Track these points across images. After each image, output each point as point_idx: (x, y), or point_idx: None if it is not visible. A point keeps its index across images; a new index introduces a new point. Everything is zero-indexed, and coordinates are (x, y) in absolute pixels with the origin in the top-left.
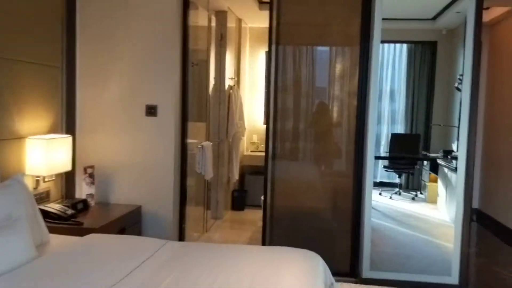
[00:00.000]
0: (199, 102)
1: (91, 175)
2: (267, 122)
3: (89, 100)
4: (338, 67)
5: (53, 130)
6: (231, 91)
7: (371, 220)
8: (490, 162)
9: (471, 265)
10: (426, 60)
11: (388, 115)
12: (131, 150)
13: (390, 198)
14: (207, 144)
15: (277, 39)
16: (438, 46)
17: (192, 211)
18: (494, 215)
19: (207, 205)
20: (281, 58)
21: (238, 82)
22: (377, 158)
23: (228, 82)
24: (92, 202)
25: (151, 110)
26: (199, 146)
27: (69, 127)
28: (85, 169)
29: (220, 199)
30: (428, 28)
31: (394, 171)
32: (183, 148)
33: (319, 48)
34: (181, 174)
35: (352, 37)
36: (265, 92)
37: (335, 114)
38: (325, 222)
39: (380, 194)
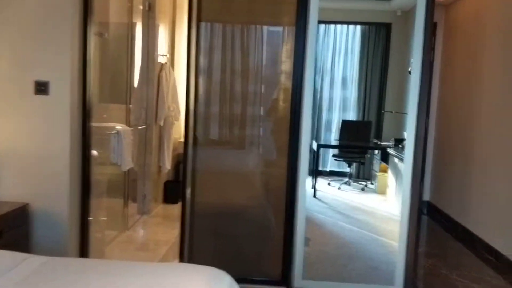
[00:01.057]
0: (117, 81)
1: None
2: (186, 104)
3: None
4: (272, 48)
5: None
6: (162, 70)
7: (305, 221)
8: (442, 152)
9: (419, 268)
10: (380, 43)
11: (340, 101)
12: (16, 135)
13: (339, 188)
14: (125, 129)
15: (199, 14)
16: (393, 29)
17: (109, 206)
18: (445, 208)
19: (128, 199)
20: (204, 36)
21: (172, 60)
22: (324, 146)
23: (160, 60)
24: None
25: (41, 88)
26: (114, 132)
27: None
28: None
29: (148, 192)
30: (382, 9)
31: (344, 160)
32: (85, 133)
33: (251, 27)
34: (83, 164)
35: (288, 16)
36: (186, 72)
37: (267, 99)
38: (255, 221)
39: (329, 184)
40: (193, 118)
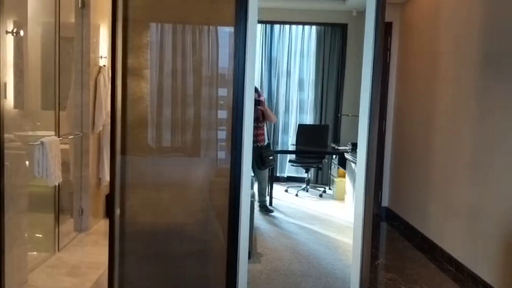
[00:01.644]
0: (44, 85)
1: None
2: (112, 108)
3: None
4: (210, 49)
5: None
6: (100, 73)
7: (249, 237)
8: (400, 157)
9: (378, 284)
10: (336, 44)
11: (297, 104)
12: None
13: (296, 195)
14: (51, 140)
15: (125, 11)
16: (349, 29)
17: (37, 224)
18: (404, 215)
19: (60, 214)
20: (132, 36)
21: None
22: (280, 152)
23: (101, 62)
24: None
25: None
26: (37, 143)
27: None
28: None
29: (86, 207)
30: (338, 9)
31: (301, 166)
32: None
33: (186, 27)
34: None
35: (227, 16)
36: (111, 73)
37: (204, 103)
38: (195, 239)
39: (286, 191)
40: (120, 123)
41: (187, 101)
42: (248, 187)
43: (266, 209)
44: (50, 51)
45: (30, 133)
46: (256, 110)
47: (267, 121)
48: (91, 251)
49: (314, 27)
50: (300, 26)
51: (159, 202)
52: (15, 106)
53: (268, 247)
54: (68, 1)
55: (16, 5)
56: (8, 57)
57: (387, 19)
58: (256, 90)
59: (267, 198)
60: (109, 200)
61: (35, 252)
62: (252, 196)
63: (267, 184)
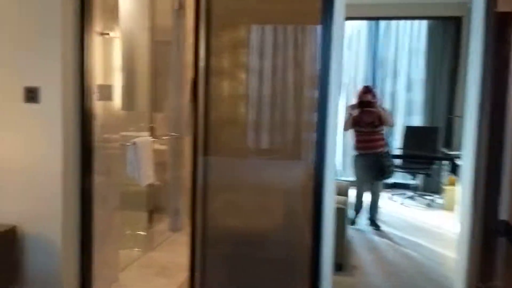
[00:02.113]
0: (138, 86)
1: None
2: (194, 108)
3: None
4: (293, 50)
5: None
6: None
7: (331, 249)
8: None
9: None
10: (449, 40)
11: (404, 105)
12: (7, 148)
13: (402, 204)
14: (143, 140)
15: (208, 15)
16: (463, 23)
17: (131, 223)
18: None
19: (152, 215)
20: (215, 36)
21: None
22: None
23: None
24: None
25: (31, 95)
26: (129, 144)
27: None
28: None
29: (181, 207)
30: (451, 1)
31: (408, 172)
32: (85, 144)
33: (267, 27)
34: (82, 178)
35: (312, 13)
36: (194, 75)
37: (289, 104)
38: (280, 248)
39: (390, 198)
40: (203, 124)
41: (277, 102)
42: (332, 192)
43: (375, 225)
44: (145, 53)
45: (129, 133)
46: (368, 113)
47: (384, 125)
48: (182, 252)
49: (424, 22)
50: (409, 22)
51: (243, 205)
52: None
53: (364, 260)
54: (164, 3)
55: (108, 6)
56: (114, 60)
57: (506, 9)
58: (369, 90)
59: (378, 212)
60: (191, 200)
61: (130, 250)
62: (344, 203)
63: (379, 196)
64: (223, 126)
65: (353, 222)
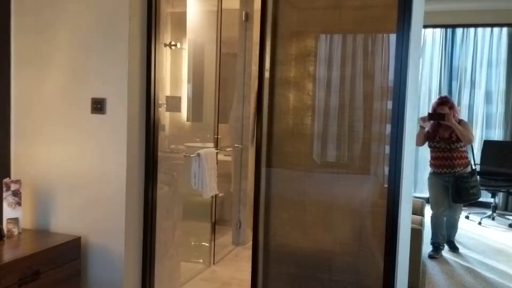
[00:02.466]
0: (203, 98)
1: (15, 193)
2: (258, 118)
3: (25, 92)
4: (363, 59)
5: None
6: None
7: (406, 274)
8: None
9: None
10: None
11: (483, 118)
12: (74, 159)
13: (479, 224)
14: (207, 152)
15: (274, 26)
16: None
17: (195, 235)
18: None
19: (215, 228)
20: (281, 48)
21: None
22: None
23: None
24: (15, 230)
25: (97, 105)
26: (194, 155)
27: None
28: (6, 185)
29: (244, 220)
30: None
31: (486, 189)
32: (149, 155)
33: (335, 36)
34: (146, 191)
35: (387, 21)
36: (258, 87)
37: (357, 116)
38: (348, 271)
39: (467, 217)
40: (266, 135)
41: (345, 113)
42: (408, 211)
43: (452, 247)
44: (212, 65)
45: (195, 144)
46: (444, 127)
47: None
48: (244, 267)
49: (504, 29)
50: (488, 29)
51: (308, 221)
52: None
53: (440, 285)
54: (232, 16)
55: (176, 19)
56: (182, 71)
57: None
58: (445, 101)
59: (455, 233)
60: (254, 214)
61: (193, 263)
62: (420, 223)
63: (458, 218)
64: (288, 138)
65: (430, 256)
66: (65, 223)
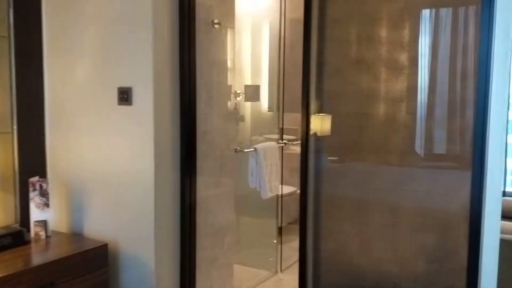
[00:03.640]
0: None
1: (43, 193)
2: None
3: (58, 81)
4: (441, 37)
5: None
6: None
7: None
8: None
9: None
10: None
11: None
12: (104, 155)
13: None
14: (266, 146)
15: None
16: None
17: (258, 239)
18: None
19: (281, 232)
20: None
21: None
22: None
23: None
24: (42, 234)
25: (123, 96)
26: (251, 150)
27: (22, 118)
28: (32, 184)
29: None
30: None
31: None
32: (188, 151)
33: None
34: (182, 190)
35: None
36: (303, 72)
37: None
38: None
39: None
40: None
41: (421, 99)
42: (496, 216)
43: None
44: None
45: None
46: None
47: None
48: None
49: None
50: None
51: (366, 235)
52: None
53: None
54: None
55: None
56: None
57: None
58: None
59: None
60: (300, 218)
61: (255, 269)
62: None
63: None
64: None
65: None
66: (97, 226)
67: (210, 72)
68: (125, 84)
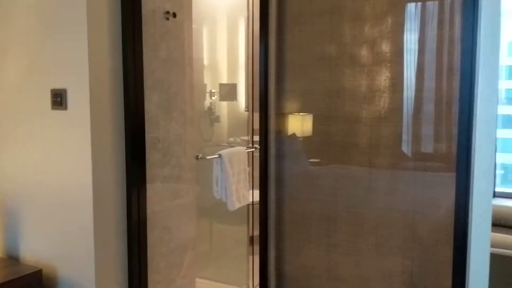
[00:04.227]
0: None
1: None
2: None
3: None
4: (427, 30)
5: None
6: None
7: None
8: None
9: None
10: None
11: None
12: (39, 167)
13: None
14: (232, 151)
15: None
16: None
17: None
18: None
19: (253, 245)
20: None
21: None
22: None
23: None
24: None
25: (57, 99)
26: (216, 156)
27: None
28: None
29: None
30: None
31: None
32: (133, 162)
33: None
34: (128, 205)
35: None
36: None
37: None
38: None
39: None
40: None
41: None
42: (485, 227)
43: None
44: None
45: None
46: None
47: None
48: None
49: None
50: None
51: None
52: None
53: None
54: None
55: None
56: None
57: None
58: None
59: None
60: (260, 240)
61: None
62: None
63: None
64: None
65: None
66: (33, 248)
67: (164, 70)
68: (58, 85)
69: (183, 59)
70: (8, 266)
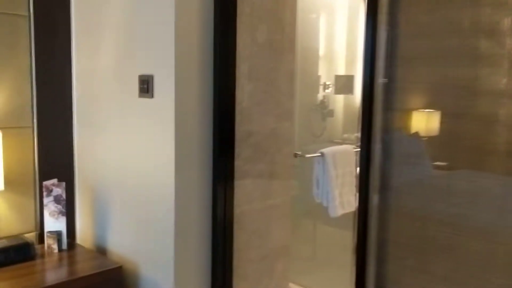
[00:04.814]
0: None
1: (58, 199)
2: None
3: (85, 69)
4: None
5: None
6: None
7: None
8: None
9: None
10: None
11: None
12: (128, 158)
13: None
14: (337, 150)
15: None
16: None
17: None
18: None
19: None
20: None
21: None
22: None
23: None
24: (55, 247)
25: (143, 86)
26: (317, 155)
27: (44, 110)
28: (46, 188)
29: None
30: None
31: None
32: (220, 157)
33: None
34: (214, 205)
35: None
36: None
37: None
38: None
39: None
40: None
41: None
42: None
43: None
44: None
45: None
46: None
47: None
48: None
49: None
50: None
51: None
52: None
53: None
54: None
55: None
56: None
57: None
58: None
59: None
60: (357, 262)
61: None
62: None
63: None
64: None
65: None
66: (120, 241)
67: (261, 56)
68: (146, 71)
69: (284, 43)
70: (92, 258)
